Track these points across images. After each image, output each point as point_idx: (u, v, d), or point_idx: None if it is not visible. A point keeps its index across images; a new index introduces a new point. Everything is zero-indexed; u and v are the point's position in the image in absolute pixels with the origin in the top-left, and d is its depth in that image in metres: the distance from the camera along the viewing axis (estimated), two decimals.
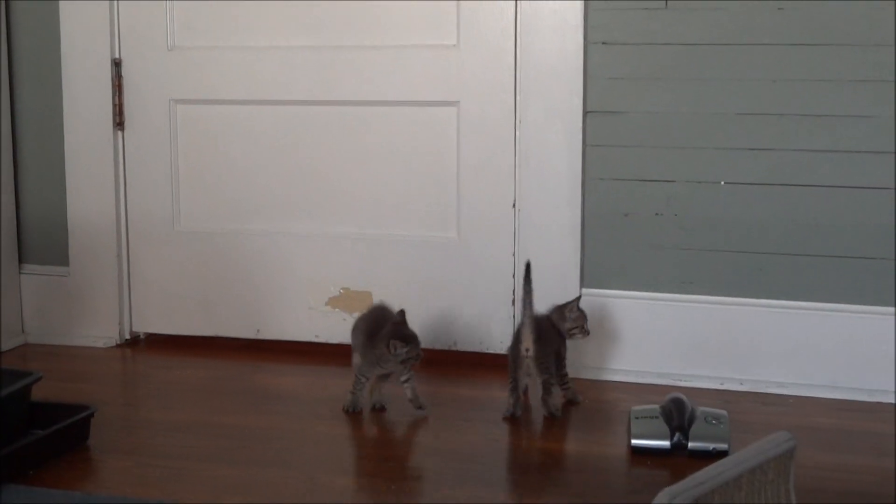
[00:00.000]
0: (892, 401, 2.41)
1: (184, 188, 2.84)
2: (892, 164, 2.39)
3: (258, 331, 2.83)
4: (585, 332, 2.39)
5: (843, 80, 2.41)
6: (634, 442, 2.09)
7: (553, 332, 2.35)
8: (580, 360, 2.55)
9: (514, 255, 2.63)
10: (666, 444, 2.07)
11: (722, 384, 2.52)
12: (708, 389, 2.49)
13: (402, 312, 2.29)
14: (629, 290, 2.58)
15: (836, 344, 2.46)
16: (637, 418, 2.13)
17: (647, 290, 2.57)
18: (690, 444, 2.06)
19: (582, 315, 2.38)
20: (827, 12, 2.40)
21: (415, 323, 2.31)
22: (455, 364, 2.67)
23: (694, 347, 2.54)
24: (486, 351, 2.68)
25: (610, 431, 2.25)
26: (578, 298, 2.40)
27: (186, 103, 2.82)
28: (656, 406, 2.17)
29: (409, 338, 2.25)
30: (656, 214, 2.55)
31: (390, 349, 2.24)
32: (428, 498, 1.91)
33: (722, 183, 2.51)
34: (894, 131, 2.38)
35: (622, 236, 2.57)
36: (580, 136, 2.56)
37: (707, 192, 2.52)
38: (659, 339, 2.56)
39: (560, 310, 2.38)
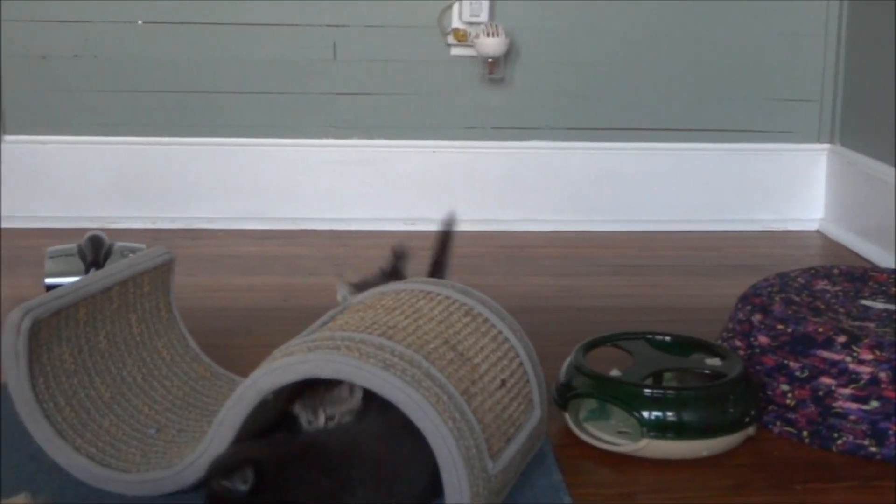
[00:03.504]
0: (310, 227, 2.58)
1: None
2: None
3: None
4: None
5: None
6: (47, 280, 2.07)
7: None
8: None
9: None
10: (79, 279, 2.07)
11: (154, 223, 2.55)
12: (141, 230, 2.52)
13: None
14: (53, 134, 2.53)
15: (254, 178, 2.57)
16: (52, 257, 2.11)
17: (71, 134, 2.54)
18: None
19: None
20: None
21: None
22: None
23: (123, 190, 2.55)
24: None
25: (30, 275, 2.22)
26: None
27: None
28: (74, 245, 2.16)
29: None
30: (75, 56, 2.50)
31: None
32: None
33: (139, 22, 2.50)
34: None
35: (42, 80, 2.50)
36: None
37: (125, 32, 2.50)
38: (87, 184, 2.54)
39: None
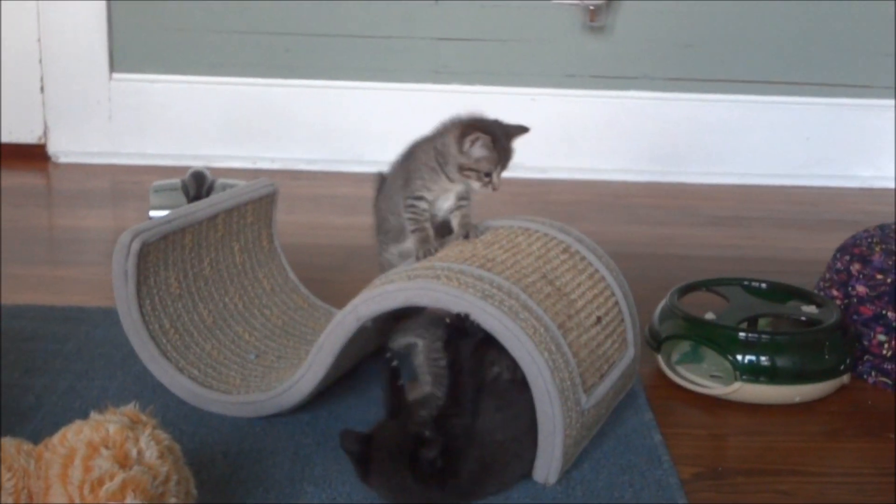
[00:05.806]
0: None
1: None
2: None
3: None
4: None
5: None
6: (151, 213, 2.12)
7: None
8: (104, 146, 2.56)
9: (38, 40, 2.55)
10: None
11: (255, 163, 2.60)
12: (242, 169, 2.56)
13: None
14: (160, 73, 2.58)
15: (355, 122, 2.60)
16: (156, 191, 2.17)
17: (178, 74, 2.58)
18: None
19: None
20: None
21: None
22: None
23: (226, 129, 2.59)
24: (15, 141, 2.61)
25: (134, 208, 2.27)
26: None
27: None
28: (178, 180, 2.21)
29: None
30: None
31: None
32: None
33: None
34: None
35: (150, 20, 2.55)
36: None
37: None
38: (192, 122, 2.59)
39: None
